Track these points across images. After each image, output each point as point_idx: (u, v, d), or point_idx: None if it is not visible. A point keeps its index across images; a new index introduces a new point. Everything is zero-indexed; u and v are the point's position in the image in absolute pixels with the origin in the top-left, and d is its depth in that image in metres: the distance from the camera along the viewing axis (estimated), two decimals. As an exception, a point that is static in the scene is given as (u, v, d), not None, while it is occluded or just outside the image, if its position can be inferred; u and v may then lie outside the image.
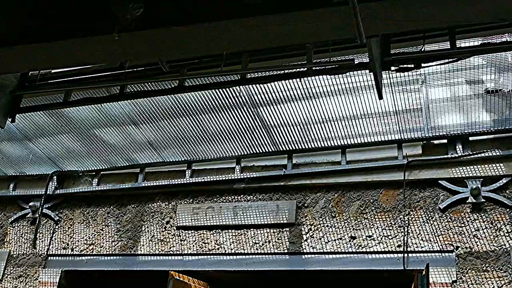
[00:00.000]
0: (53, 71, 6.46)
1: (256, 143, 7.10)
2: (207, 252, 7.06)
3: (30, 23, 4.06)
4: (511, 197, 6.08)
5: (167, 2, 3.78)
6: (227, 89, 6.20)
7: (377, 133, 6.67)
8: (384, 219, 6.47)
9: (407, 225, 6.32)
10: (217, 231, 7.16)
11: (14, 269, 7.97)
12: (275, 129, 6.83)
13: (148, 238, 7.45)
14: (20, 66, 4.78)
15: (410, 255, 6.17)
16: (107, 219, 7.85)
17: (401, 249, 6.22)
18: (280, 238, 6.81)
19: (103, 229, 7.79)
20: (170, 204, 7.58)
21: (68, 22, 3.96)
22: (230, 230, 7.11)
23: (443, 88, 6.15)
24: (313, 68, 5.50)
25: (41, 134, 7.48)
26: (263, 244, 6.86)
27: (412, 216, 6.36)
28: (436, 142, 6.64)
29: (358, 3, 3.30)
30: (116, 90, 6.36)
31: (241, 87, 6.15)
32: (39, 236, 8.10)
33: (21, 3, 4.03)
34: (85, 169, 8.20)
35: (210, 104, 6.51)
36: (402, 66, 5.33)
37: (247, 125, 6.80)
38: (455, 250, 6.04)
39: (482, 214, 6.10)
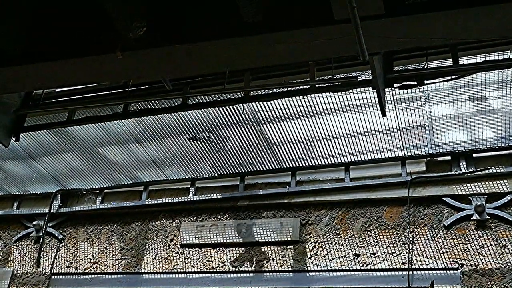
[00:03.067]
0: (57, 90, 6.50)
1: (260, 160, 7.09)
2: (211, 270, 7.03)
3: (34, 43, 4.09)
4: (516, 214, 6.06)
5: (170, 22, 3.80)
6: (230, 106, 6.21)
7: (380, 150, 6.67)
8: (388, 236, 6.44)
9: (411, 242, 6.30)
10: (221, 249, 7.14)
11: (18, 288, 7.96)
12: (278, 146, 6.82)
13: (152, 256, 7.43)
14: (24, 86, 4.81)
15: (415, 272, 6.13)
16: (111, 238, 7.84)
17: (406, 266, 6.19)
18: (284, 255, 6.79)
19: (107, 248, 7.77)
20: (174, 222, 7.57)
21: (71, 41, 3.98)
22: (234, 248, 7.09)
23: (446, 105, 6.15)
24: (316, 85, 5.51)
25: (45, 153, 7.49)
26: (267, 262, 6.83)
27: (417, 233, 6.33)
28: (440, 159, 6.62)
29: (361, 21, 3.31)
30: (120, 108, 6.40)
31: (244, 104, 6.16)
32: (43, 255, 8.08)
33: (25, 23, 4.05)
34: (89, 188, 8.20)
35: (214, 122, 6.51)
36: (405, 83, 5.34)
37: (250, 142, 6.80)
38: (460, 267, 6.00)
39: (487, 231, 6.08)
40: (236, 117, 6.41)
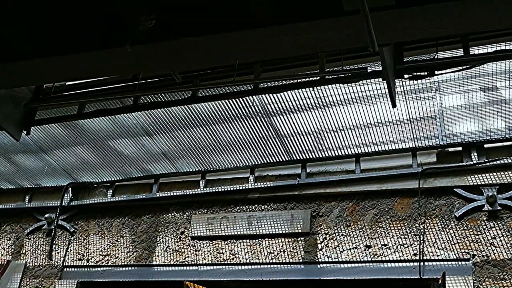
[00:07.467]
0: (67, 83, 6.52)
1: (270, 152, 7.09)
2: (222, 262, 7.05)
3: (44, 37, 4.09)
4: (527, 205, 6.03)
5: (179, 14, 3.80)
6: (240, 99, 6.21)
7: (391, 141, 6.64)
8: (399, 227, 6.43)
9: (422, 233, 6.28)
10: (232, 241, 7.15)
11: (31, 280, 8.00)
12: (288, 138, 6.82)
13: (163, 248, 7.46)
14: (35, 79, 4.80)
15: (426, 263, 6.12)
16: (122, 230, 7.87)
17: (417, 257, 6.18)
18: (295, 247, 6.79)
19: (118, 240, 7.81)
20: (185, 215, 7.59)
21: (81, 35, 3.99)
22: (244, 240, 7.10)
23: (457, 95, 6.11)
24: (326, 77, 5.49)
25: (56, 146, 7.51)
26: (278, 254, 6.84)
27: (428, 224, 6.31)
28: (451, 149, 6.59)
29: (370, 12, 3.29)
30: (130, 101, 6.40)
31: (254, 96, 6.15)
32: (55, 248, 8.13)
33: (35, 17, 4.06)
34: (99, 180, 8.23)
35: (224, 114, 6.52)
36: (415, 73, 5.31)
37: (260, 134, 6.79)
38: (471, 258, 5.98)
39: (499, 222, 6.05)
40: (246, 109, 6.41)
